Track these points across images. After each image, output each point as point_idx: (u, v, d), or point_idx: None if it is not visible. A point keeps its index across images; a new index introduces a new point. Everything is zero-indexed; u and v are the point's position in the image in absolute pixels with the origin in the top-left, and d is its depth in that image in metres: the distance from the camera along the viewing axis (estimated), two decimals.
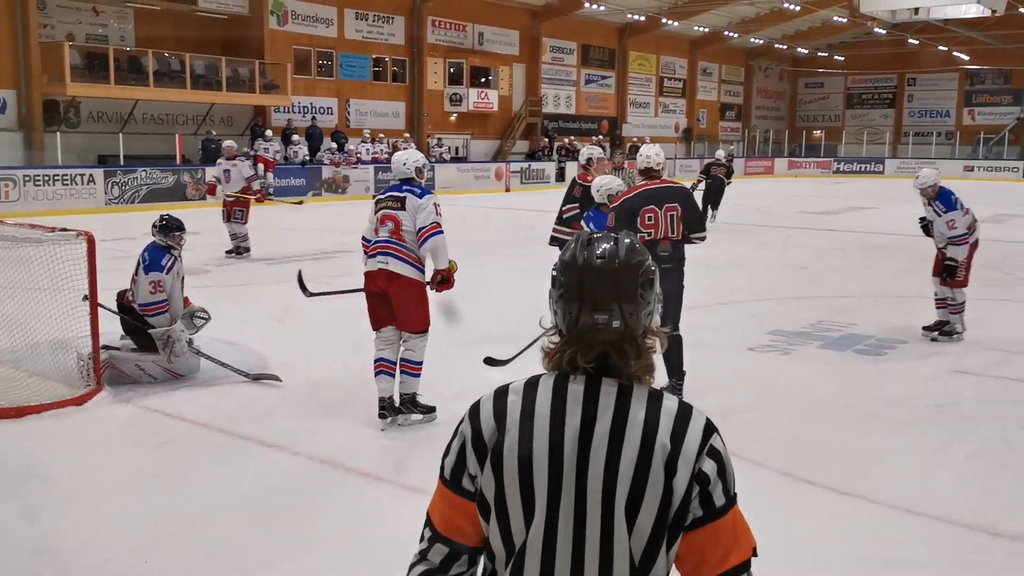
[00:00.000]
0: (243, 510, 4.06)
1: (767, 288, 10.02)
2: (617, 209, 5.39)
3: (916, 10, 19.76)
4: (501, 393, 1.51)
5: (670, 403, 1.46)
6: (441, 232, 5.08)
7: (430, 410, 5.21)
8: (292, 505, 4.12)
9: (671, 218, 5.30)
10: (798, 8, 30.46)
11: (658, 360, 1.56)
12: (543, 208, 18.77)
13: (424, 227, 5.03)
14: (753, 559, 1.46)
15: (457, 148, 29.25)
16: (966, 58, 38.80)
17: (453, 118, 29.19)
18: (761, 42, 40.13)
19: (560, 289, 1.49)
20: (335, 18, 25.49)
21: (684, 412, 1.45)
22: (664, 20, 33.03)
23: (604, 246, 1.48)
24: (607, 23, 34.21)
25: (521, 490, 1.44)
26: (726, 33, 37.12)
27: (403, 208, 5.08)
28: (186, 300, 6.34)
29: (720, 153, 18.68)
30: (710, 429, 1.45)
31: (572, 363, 1.46)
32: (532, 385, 1.49)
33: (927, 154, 39.71)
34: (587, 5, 29.43)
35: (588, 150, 7.70)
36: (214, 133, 21.04)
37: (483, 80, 29.42)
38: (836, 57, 43.00)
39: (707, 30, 36.52)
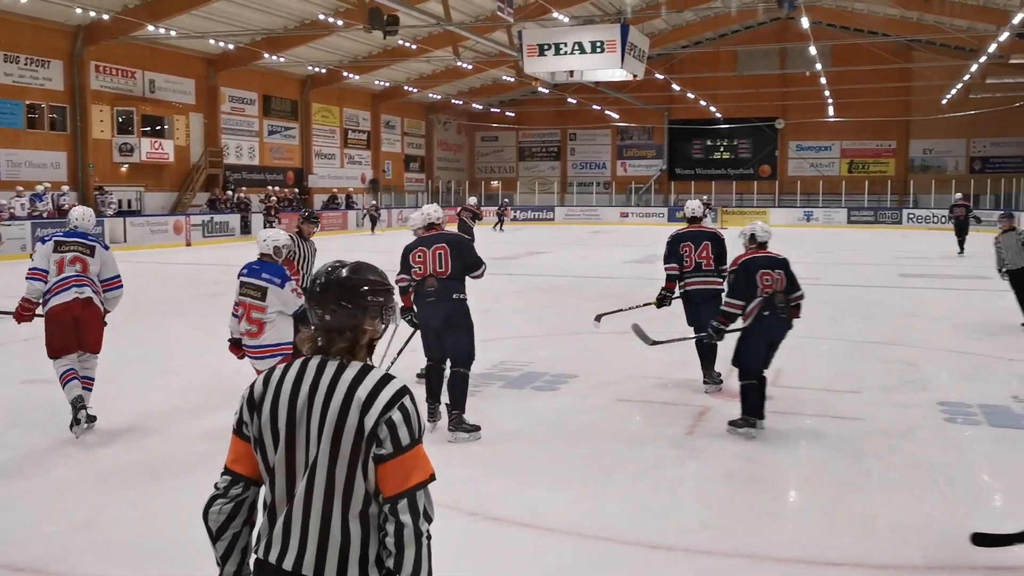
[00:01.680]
0: None
1: None
2: (403, 250, 6.28)
3: (571, 73, 21.79)
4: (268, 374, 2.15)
5: (377, 372, 2.07)
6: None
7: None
8: None
9: (438, 256, 6.08)
10: (470, 67, 32.37)
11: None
12: (227, 262, 18.14)
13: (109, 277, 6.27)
14: (431, 483, 2.03)
15: (130, 201, 27.32)
16: (616, 116, 43.48)
17: (124, 169, 27.27)
18: (439, 97, 42.05)
19: None
20: None
21: (385, 378, 2.06)
22: (345, 73, 33.51)
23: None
24: (288, 74, 34.03)
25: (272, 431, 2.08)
26: (406, 88, 38.47)
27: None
28: None
29: (471, 200, 22.42)
30: (402, 392, 2.05)
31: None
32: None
33: (590, 202, 43.89)
34: (266, 56, 29.08)
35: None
36: None
37: (157, 129, 27.88)
38: (508, 113, 46.16)
39: (388, 84, 37.59)
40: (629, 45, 20.13)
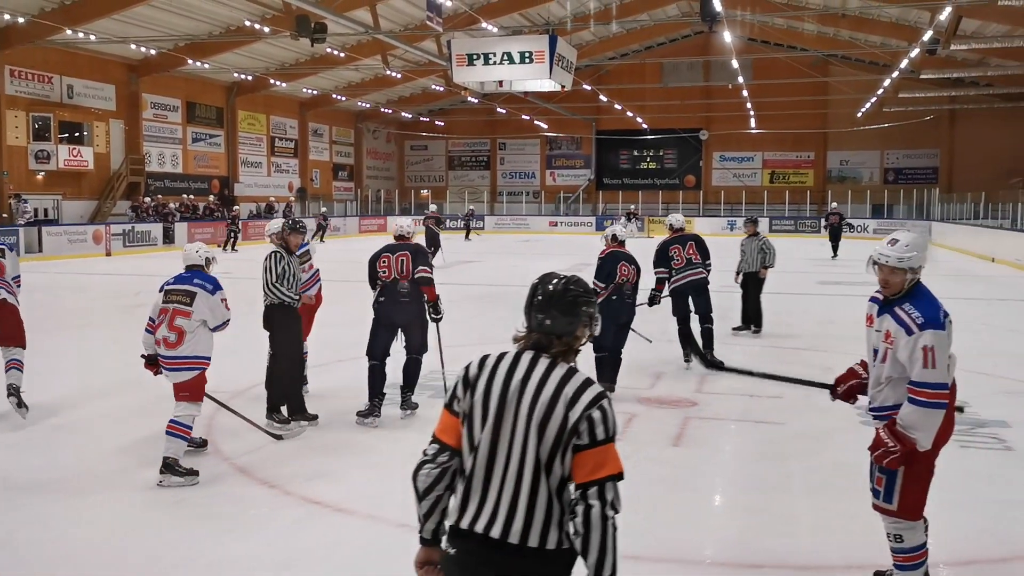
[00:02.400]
0: None
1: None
2: (370, 258, 6.88)
3: (500, 83, 21.90)
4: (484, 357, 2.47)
5: (581, 375, 2.36)
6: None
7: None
8: None
9: (401, 262, 6.72)
10: (399, 75, 32.26)
11: None
12: (150, 272, 17.70)
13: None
14: (619, 481, 2.28)
15: (47, 210, 26.41)
16: (545, 126, 43.84)
17: (40, 177, 26.35)
18: (368, 106, 41.80)
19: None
20: None
21: (588, 380, 2.35)
22: (272, 81, 33.04)
23: None
24: (213, 81, 33.41)
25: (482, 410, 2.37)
26: (334, 96, 38.14)
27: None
28: None
29: (432, 207, 23.27)
30: (602, 395, 2.34)
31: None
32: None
33: (520, 211, 44.07)
34: (190, 62, 28.51)
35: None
36: None
37: (75, 136, 27.04)
38: (437, 122, 46.12)
39: (316, 92, 37.21)
40: (557, 56, 20.34)
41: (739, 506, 5.15)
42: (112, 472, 5.57)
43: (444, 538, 2.39)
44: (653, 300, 8.67)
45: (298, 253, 6.89)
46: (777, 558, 4.33)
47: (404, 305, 6.78)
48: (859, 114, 38.93)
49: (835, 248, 24.98)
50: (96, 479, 5.47)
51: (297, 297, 6.63)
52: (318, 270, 7.63)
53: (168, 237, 27.99)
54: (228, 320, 5.73)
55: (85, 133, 27.48)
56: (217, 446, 6.05)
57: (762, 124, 41.57)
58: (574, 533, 2.26)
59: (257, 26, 25.37)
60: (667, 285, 8.83)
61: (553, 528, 2.27)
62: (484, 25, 24.91)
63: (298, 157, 40.26)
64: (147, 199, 29.03)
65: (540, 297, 2.45)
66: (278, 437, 6.18)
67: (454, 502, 2.38)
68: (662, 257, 8.74)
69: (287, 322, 6.60)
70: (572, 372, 2.36)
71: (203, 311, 5.57)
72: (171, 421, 5.41)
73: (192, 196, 31.73)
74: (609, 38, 38.09)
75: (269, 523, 4.79)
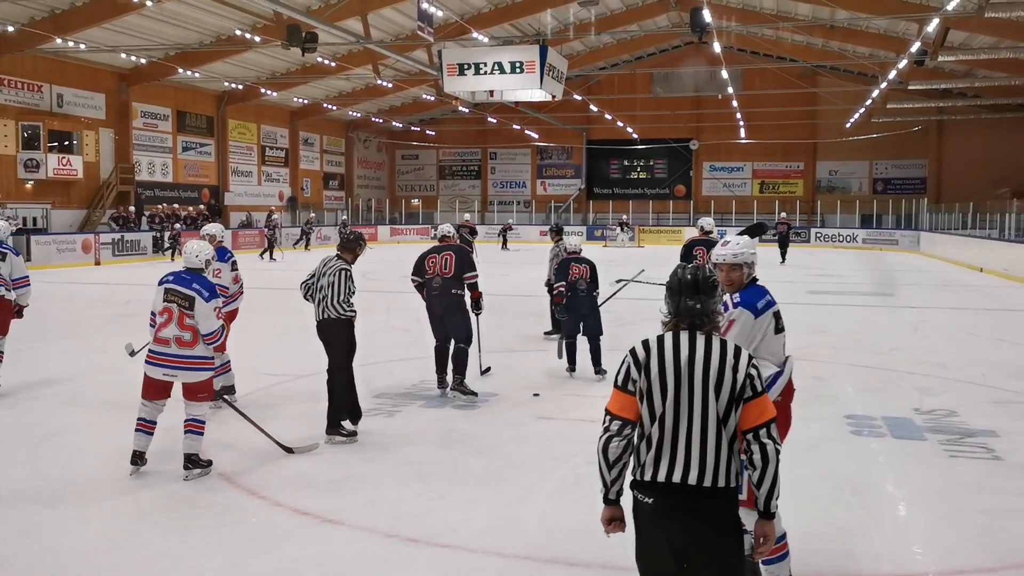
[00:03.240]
0: None
1: (372, 352, 10.37)
2: (418, 256, 8.21)
3: (491, 92, 21.95)
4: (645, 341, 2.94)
5: (732, 344, 2.90)
6: None
7: None
8: None
9: (445, 261, 7.97)
10: (390, 85, 32.28)
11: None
12: (139, 281, 17.63)
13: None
14: (773, 423, 2.85)
15: (35, 219, 26.28)
16: (536, 136, 43.92)
17: (29, 186, 26.23)
18: (359, 115, 41.80)
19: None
20: None
21: (739, 348, 2.90)
22: (263, 90, 33.03)
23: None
24: (203, 90, 33.37)
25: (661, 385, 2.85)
26: (325, 105, 38.13)
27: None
28: None
29: (467, 216, 24.37)
30: (751, 356, 2.89)
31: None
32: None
33: (510, 220, 44.06)
34: (180, 71, 28.46)
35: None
36: None
37: (65, 145, 26.95)
38: (428, 132, 46.15)
39: (306, 101, 37.20)
40: (548, 66, 20.40)
41: None
42: (99, 482, 5.54)
43: (637, 493, 2.86)
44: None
45: (224, 261, 7.36)
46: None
47: (436, 298, 7.99)
48: (848, 124, 39.14)
49: (783, 255, 26.70)
50: (83, 490, 5.44)
51: (355, 312, 6.68)
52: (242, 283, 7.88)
53: (157, 246, 27.90)
54: (216, 332, 5.69)
55: (75, 142, 27.37)
56: (205, 456, 6.03)
57: (752, 134, 41.75)
58: (752, 469, 2.86)
59: (248, 35, 25.34)
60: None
61: (732, 470, 2.83)
62: (475, 35, 24.95)
63: (288, 166, 40.22)
64: (131, 208, 28.82)
65: (689, 284, 2.95)
66: (289, 450, 6.14)
67: (636, 461, 2.88)
68: (686, 256, 10.19)
69: (350, 337, 6.64)
70: (725, 343, 2.89)
71: (199, 317, 5.61)
72: (191, 420, 5.64)
73: (178, 205, 31.38)
74: (599, 48, 38.23)
75: (258, 534, 4.77)
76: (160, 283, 5.76)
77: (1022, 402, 8.05)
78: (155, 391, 5.69)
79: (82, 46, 24.35)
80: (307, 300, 6.76)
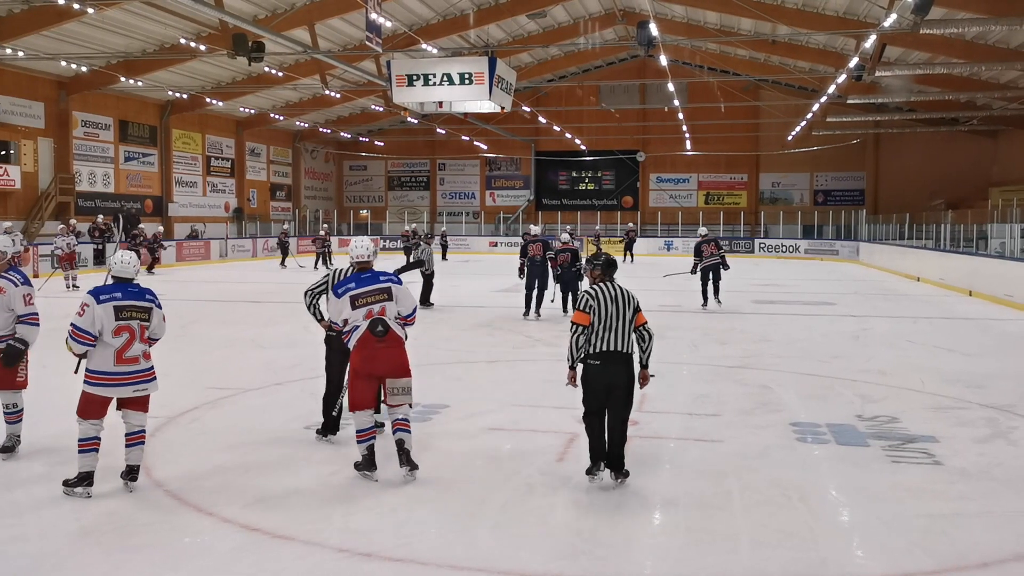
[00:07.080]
0: None
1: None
2: (523, 243, 15.16)
3: (440, 104, 21.97)
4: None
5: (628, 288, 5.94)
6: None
7: None
8: None
9: (539, 246, 14.24)
10: (338, 95, 32.08)
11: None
12: (80, 295, 17.17)
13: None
14: (647, 323, 5.82)
15: None
16: (485, 147, 44.00)
17: None
18: (306, 125, 41.45)
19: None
20: None
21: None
22: (208, 99, 32.58)
23: None
24: (147, 99, 32.80)
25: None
26: (272, 115, 37.74)
27: None
28: None
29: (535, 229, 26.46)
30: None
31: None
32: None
33: (459, 232, 44.09)
34: (123, 80, 27.92)
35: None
36: None
37: (1, 155, 26.21)
38: (377, 142, 45.94)
39: (253, 111, 36.79)
40: (497, 78, 20.50)
41: (679, 524, 5.21)
42: (39, 503, 5.38)
43: (588, 360, 5.61)
44: (694, 270, 16.55)
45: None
46: (718, 574, 4.39)
47: (536, 267, 14.84)
48: (789, 137, 39.99)
49: (631, 257, 32.87)
50: (22, 511, 5.28)
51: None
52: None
53: (99, 257, 27.27)
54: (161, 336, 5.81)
55: (12, 152, 26.68)
56: (150, 472, 5.91)
57: (697, 146, 42.39)
58: (642, 342, 5.71)
59: (193, 44, 24.98)
60: (698, 266, 16.45)
61: (633, 345, 5.63)
62: (424, 46, 24.96)
63: (235, 177, 39.70)
64: (71, 220, 28.01)
65: (610, 263, 5.92)
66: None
67: (588, 344, 5.60)
68: (698, 251, 16.39)
69: (344, 349, 6.62)
70: (627, 288, 5.79)
71: (155, 326, 5.66)
72: (139, 432, 5.61)
73: (102, 217, 29.70)
74: (548, 60, 38.51)
75: (206, 552, 4.68)
76: (100, 301, 5.44)
77: (960, 408, 8.28)
78: (102, 409, 5.56)
79: (20, 53, 23.77)
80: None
